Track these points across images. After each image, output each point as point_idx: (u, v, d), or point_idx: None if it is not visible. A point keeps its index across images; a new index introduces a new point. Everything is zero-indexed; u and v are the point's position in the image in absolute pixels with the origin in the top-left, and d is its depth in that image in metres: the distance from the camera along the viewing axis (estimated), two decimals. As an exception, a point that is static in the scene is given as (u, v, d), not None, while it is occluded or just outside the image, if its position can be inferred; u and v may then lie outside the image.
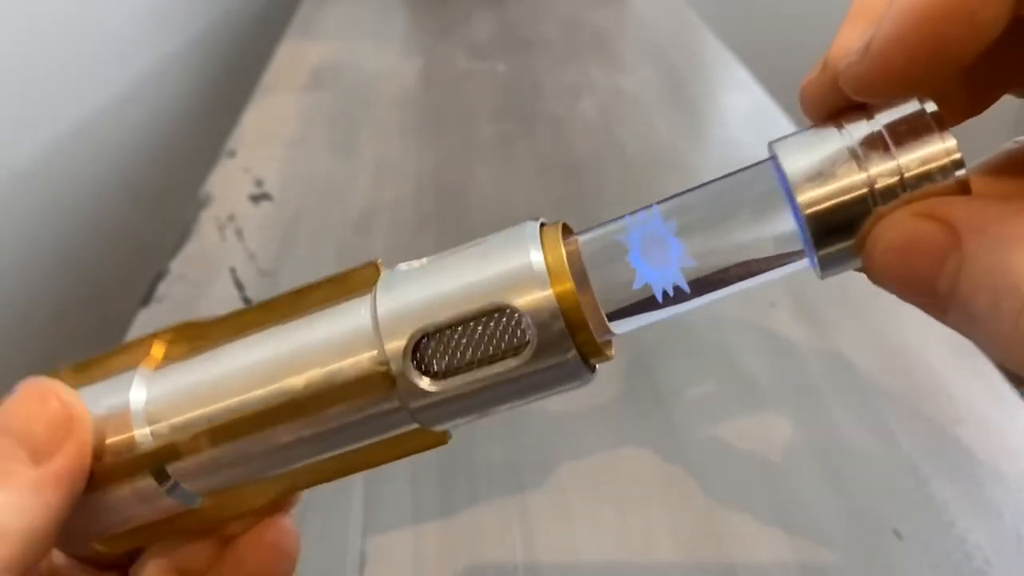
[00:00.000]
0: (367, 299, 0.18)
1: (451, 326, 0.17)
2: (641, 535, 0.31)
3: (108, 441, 0.17)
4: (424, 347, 0.17)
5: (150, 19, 0.80)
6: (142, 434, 0.17)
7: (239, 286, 0.45)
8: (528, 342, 0.16)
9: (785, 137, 0.16)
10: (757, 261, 0.17)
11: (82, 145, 0.68)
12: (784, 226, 0.16)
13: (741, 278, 0.17)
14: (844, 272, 0.17)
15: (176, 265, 0.48)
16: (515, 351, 0.16)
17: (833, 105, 0.16)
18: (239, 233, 0.51)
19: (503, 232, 0.18)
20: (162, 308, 0.45)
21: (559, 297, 0.16)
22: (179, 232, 0.52)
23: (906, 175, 0.15)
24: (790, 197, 0.16)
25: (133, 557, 0.20)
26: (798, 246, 0.16)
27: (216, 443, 0.17)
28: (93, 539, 0.19)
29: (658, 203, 0.17)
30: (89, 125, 0.69)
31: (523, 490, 0.33)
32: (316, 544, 0.32)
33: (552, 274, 0.16)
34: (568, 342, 0.16)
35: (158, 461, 0.17)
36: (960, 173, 0.15)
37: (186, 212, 0.54)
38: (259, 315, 0.19)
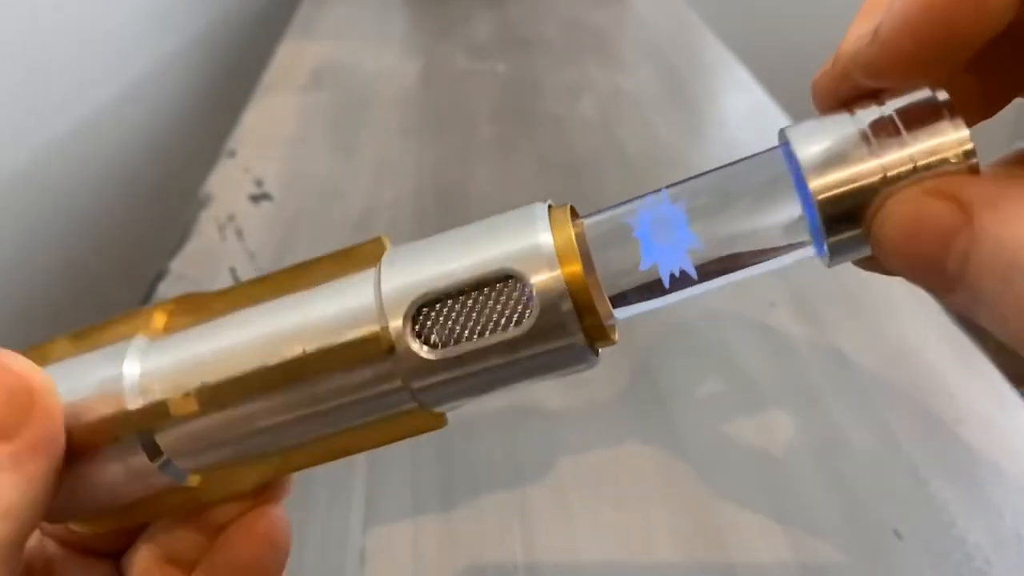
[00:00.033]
0: (371, 272, 0.17)
1: (454, 295, 0.16)
2: (641, 535, 0.31)
3: (99, 409, 0.17)
4: (425, 317, 0.16)
5: (150, 19, 0.80)
6: (133, 400, 0.17)
7: (239, 286, 0.45)
8: (532, 317, 0.16)
9: (797, 124, 0.16)
10: (766, 247, 0.17)
11: (82, 145, 0.68)
12: (794, 212, 0.16)
13: (748, 264, 0.17)
14: (851, 259, 0.16)
15: (176, 265, 0.48)
16: (518, 325, 0.16)
17: (846, 96, 0.16)
18: (239, 233, 0.51)
19: (510, 212, 0.17)
20: (162, 308, 0.44)
21: (568, 278, 0.16)
22: (179, 232, 0.52)
23: (919, 163, 0.15)
24: (801, 183, 0.16)
25: (125, 546, 0.20)
26: (807, 233, 0.16)
27: (207, 408, 0.17)
28: (82, 517, 0.19)
29: (667, 187, 0.17)
30: (89, 125, 0.69)
31: (523, 489, 0.33)
32: (317, 541, 0.32)
33: (560, 255, 0.16)
34: (575, 324, 0.16)
35: (147, 421, 0.17)
36: (973, 161, 0.15)
37: (186, 212, 0.54)
38: (263, 287, 0.18)
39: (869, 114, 0.16)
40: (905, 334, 0.39)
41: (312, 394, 0.17)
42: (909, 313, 0.40)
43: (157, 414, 0.17)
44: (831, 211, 0.15)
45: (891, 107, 0.15)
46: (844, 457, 0.33)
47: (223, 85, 0.91)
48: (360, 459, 0.34)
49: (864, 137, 0.15)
